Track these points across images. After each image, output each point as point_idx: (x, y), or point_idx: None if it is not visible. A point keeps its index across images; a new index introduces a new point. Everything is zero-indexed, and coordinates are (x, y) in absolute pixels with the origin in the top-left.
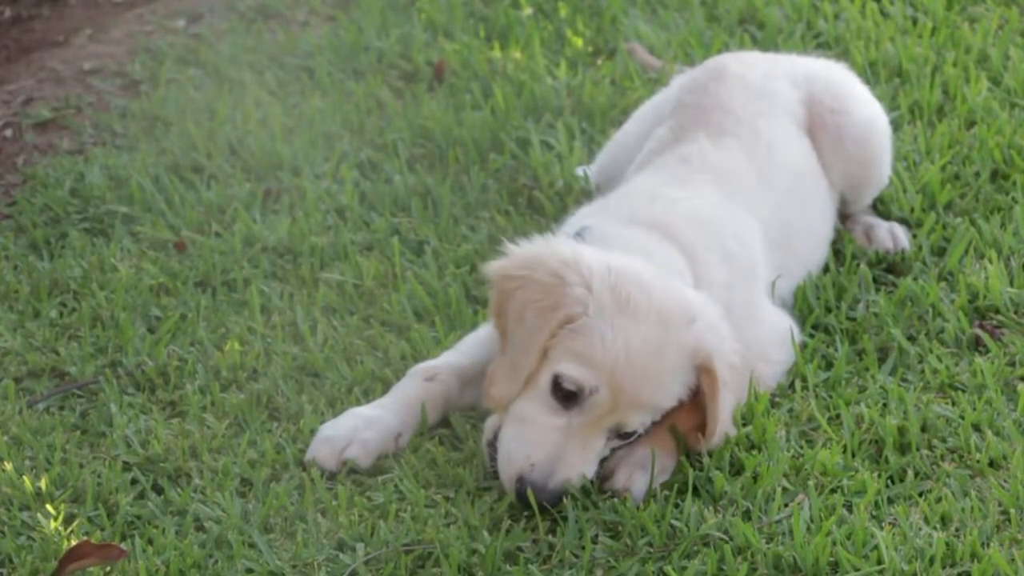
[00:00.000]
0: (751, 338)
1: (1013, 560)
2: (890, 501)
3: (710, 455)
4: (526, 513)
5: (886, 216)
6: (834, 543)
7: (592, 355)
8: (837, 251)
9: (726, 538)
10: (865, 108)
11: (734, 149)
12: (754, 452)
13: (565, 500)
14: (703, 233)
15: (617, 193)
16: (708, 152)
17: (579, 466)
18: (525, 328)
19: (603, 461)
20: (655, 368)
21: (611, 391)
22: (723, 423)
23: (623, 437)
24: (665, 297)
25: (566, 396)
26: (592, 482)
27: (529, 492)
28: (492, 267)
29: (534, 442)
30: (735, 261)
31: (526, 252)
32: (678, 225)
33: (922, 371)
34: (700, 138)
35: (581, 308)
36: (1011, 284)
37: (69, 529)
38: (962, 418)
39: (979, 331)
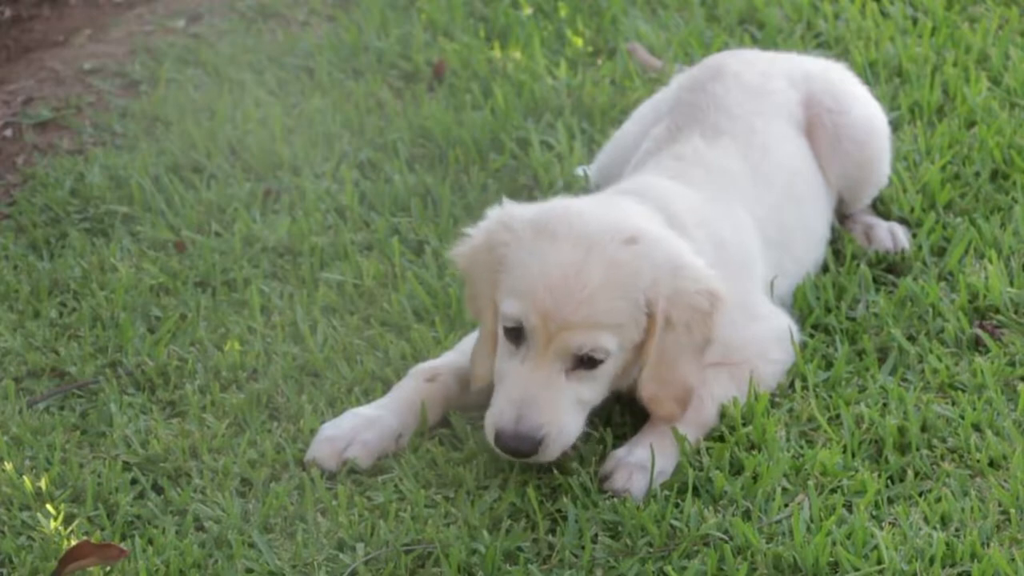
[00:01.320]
0: (749, 337)
1: (1013, 560)
2: (890, 501)
3: (709, 454)
4: (526, 513)
5: (886, 216)
6: (834, 543)
7: (516, 285)
8: (837, 251)
9: (726, 538)
10: (864, 108)
11: (729, 148)
12: (754, 452)
13: (566, 492)
14: (694, 216)
15: (610, 189)
16: (703, 151)
17: (551, 409)
18: (480, 297)
19: (604, 461)
20: (577, 285)
21: (539, 316)
22: (662, 367)
23: (587, 365)
24: (594, 219)
25: (516, 337)
26: (592, 482)
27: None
28: (453, 254)
29: (500, 392)
30: (727, 249)
31: (468, 240)
32: (669, 200)
33: (922, 371)
34: (695, 137)
35: (506, 249)
36: (1011, 284)
37: (69, 529)
38: (962, 418)
39: (979, 331)
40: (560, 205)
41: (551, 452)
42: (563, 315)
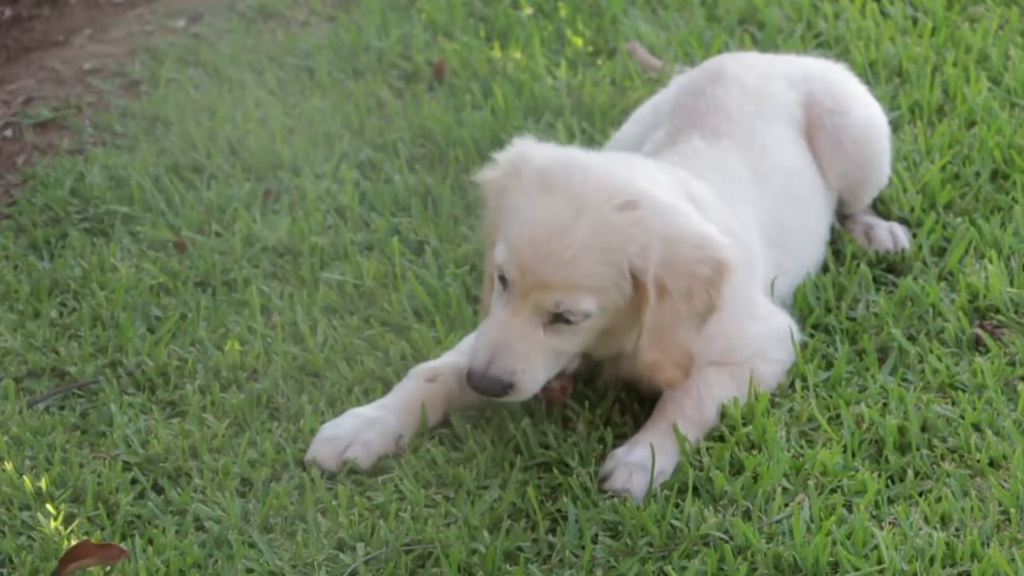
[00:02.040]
0: (750, 336)
1: (1013, 560)
2: (890, 501)
3: (709, 454)
4: (526, 513)
5: (886, 216)
6: (834, 543)
7: (507, 233)
8: (837, 251)
9: (726, 538)
10: (864, 109)
11: (729, 150)
12: (754, 452)
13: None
14: (708, 202)
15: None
16: (704, 150)
17: (523, 357)
18: (487, 227)
19: (604, 461)
20: (557, 246)
21: (517, 269)
22: (661, 334)
23: (564, 322)
24: (596, 178)
25: (503, 280)
26: (592, 482)
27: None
28: (478, 178)
29: (481, 331)
30: (736, 241)
31: (498, 162)
32: (686, 179)
33: (922, 371)
34: (695, 139)
35: (509, 192)
36: (1011, 284)
37: (69, 529)
38: (962, 418)
39: (979, 331)
40: (570, 158)
41: (520, 396)
42: (541, 274)
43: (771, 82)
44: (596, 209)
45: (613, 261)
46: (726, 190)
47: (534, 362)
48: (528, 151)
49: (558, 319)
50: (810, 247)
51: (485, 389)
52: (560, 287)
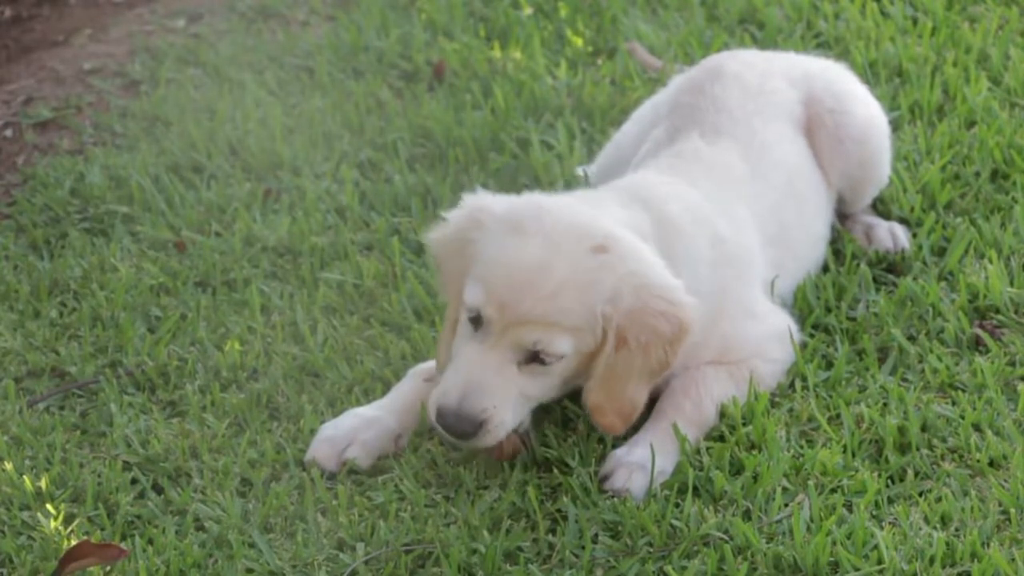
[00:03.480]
0: (749, 335)
1: (1013, 560)
2: (890, 501)
3: (709, 454)
4: (526, 513)
5: (886, 216)
6: (834, 543)
7: (480, 274)
8: (837, 251)
9: (726, 538)
10: (864, 108)
11: (730, 148)
12: (754, 452)
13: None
14: (690, 211)
15: (605, 185)
16: (703, 150)
17: (496, 395)
18: (446, 280)
19: (604, 461)
20: (538, 282)
21: (496, 307)
22: (611, 381)
23: (539, 362)
24: (565, 219)
25: (475, 321)
26: (592, 482)
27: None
28: (428, 239)
29: (450, 370)
30: (726, 246)
31: (440, 228)
32: (661, 199)
33: (922, 371)
34: (694, 137)
35: (475, 244)
36: (1011, 284)
37: (69, 529)
38: (962, 418)
39: (979, 331)
40: (533, 201)
41: (489, 438)
42: (520, 310)
43: (771, 80)
44: (571, 249)
45: (586, 303)
46: (721, 192)
47: (506, 402)
48: (484, 202)
49: (533, 359)
50: (811, 245)
51: (455, 427)
52: (539, 323)
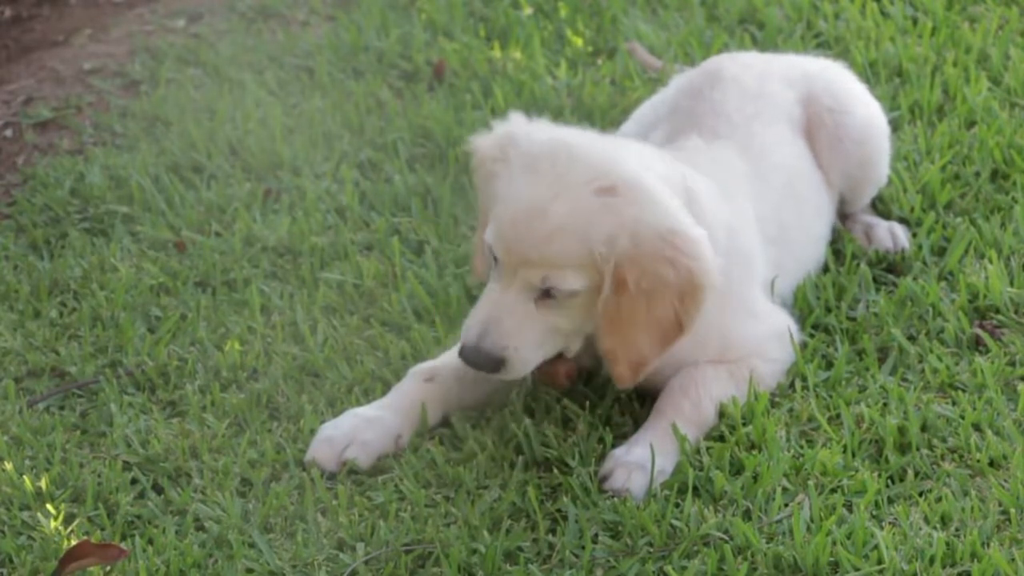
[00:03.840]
0: (748, 334)
1: (1013, 560)
2: (890, 501)
3: (709, 454)
4: (526, 513)
5: (886, 216)
6: (834, 543)
7: (496, 212)
8: (837, 251)
9: (726, 538)
10: (864, 107)
11: (728, 149)
12: (754, 452)
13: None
14: (711, 193)
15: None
16: (703, 148)
17: (514, 334)
18: (480, 198)
19: (604, 461)
20: (536, 225)
21: (503, 248)
22: (620, 325)
23: (553, 297)
24: (581, 160)
25: (494, 259)
26: (592, 482)
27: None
28: (473, 145)
29: (474, 308)
30: (737, 238)
31: (489, 137)
32: (687, 175)
33: (922, 371)
34: (693, 138)
35: (495, 174)
36: (1011, 284)
37: (69, 529)
38: (962, 418)
39: (979, 331)
40: (559, 139)
41: (512, 373)
42: (521, 251)
43: (769, 82)
44: (575, 191)
45: (584, 244)
46: (727, 186)
47: (526, 339)
48: (516, 133)
49: (547, 295)
50: (811, 246)
51: (477, 364)
52: (541, 264)
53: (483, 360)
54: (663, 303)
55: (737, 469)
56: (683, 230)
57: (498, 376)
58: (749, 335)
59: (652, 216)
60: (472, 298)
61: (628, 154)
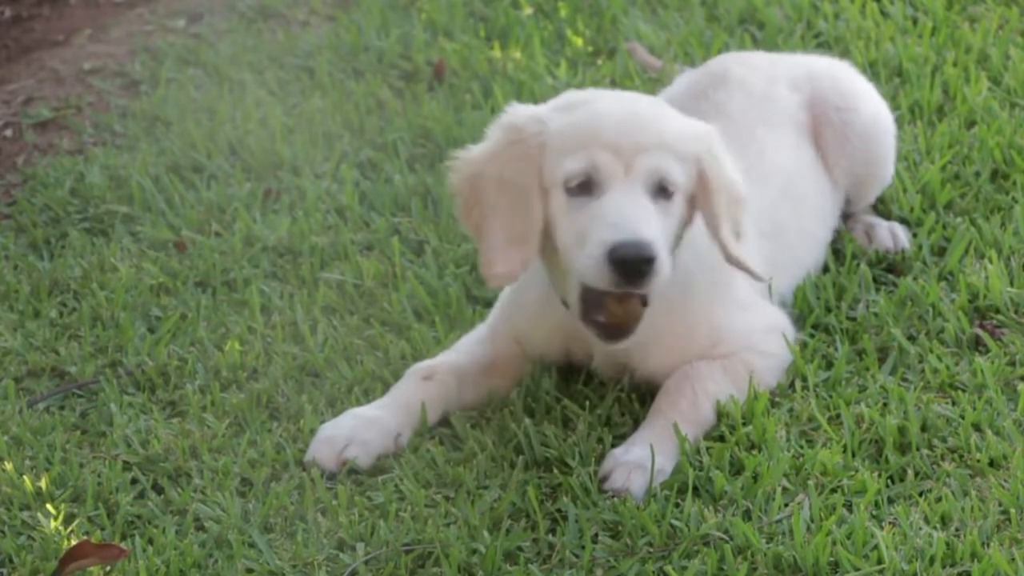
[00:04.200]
0: (739, 326)
1: (1013, 560)
2: (890, 501)
3: (709, 454)
4: (526, 513)
5: (886, 216)
6: (834, 543)
7: (570, 145)
8: (837, 251)
9: (726, 538)
10: (871, 106)
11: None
12: (754, 452)
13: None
14: None
15: None
16: None
17: (654, 227)
18: (512, 190)
19: (603, 461)
20: (640, 113)
21: (610, 151)
22: (725, 227)
23: (664, 196)
24: (622, 94)
25: (585, 189)
26: (592, 481)
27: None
28: (452, 178)
29: (595, 228)
30: None
31: (477, 148)
32: None
33: (922, 371)
34: None
35: (542, 134)
36: (1011, 284)
37: (69, 529)
38: (962, 418)
39: (979, 331)
40: (580, 92)
41: (660, 275)
42: (634, 138)
43: (775, 85)
44: (644, 103)
45: (682, 128)
46: None
47: (662, 239)
48: (522, 110)
49: (659, 194)
50: (809, 247)
51: (637, 258)
52: (656, 147)
53: (642, 251)
54: (735, 212)
55: (737, 469)
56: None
57: (641, 285)
58: (740, 327)
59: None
60: (472, 298)
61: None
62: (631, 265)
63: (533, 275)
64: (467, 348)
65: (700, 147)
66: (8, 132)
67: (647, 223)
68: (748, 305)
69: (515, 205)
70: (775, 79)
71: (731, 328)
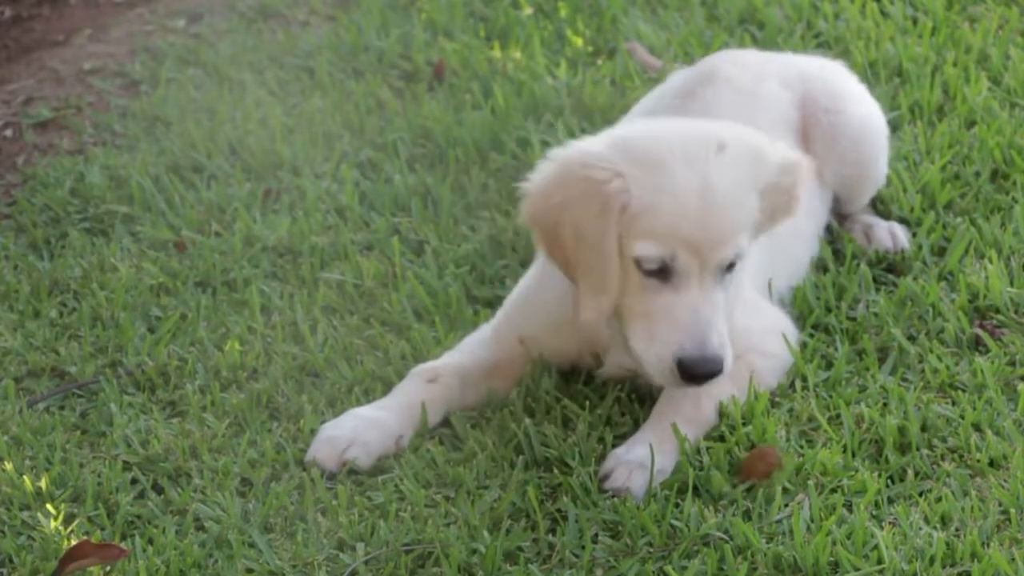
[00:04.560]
0: (741, 328)
1: (1013, 560)
2: (890, 501)
3: (709, 454)
4: (526, 513)
5: (886, 216)
6: (834, 543)
7: (653, 227)
8: (837, 251)
9: (726, 538)
10: (860, 107)
11: None
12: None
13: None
14: None
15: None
16: None
17: (722, 330)
18: (589, 242)
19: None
20: (714, 205)
21: (689, 250)
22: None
23: (730, 270)
24: (678, 137)
25: (659, 273)
26: (592, 481)
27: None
28: (523, 213)
29: (667, 326)
30: None
31: (543, 181)
32: None
33: (922, 371)
34: None
35: (625, 193)
36: (1011, 284)
37: (69, 529)
38: (962, 418)
39: (979, 331)
40: (639, 131)
41: (726, 368)
42: (713, 234)
43: (765, 83)
44: (711, 159)
45: (750, 194)
46: None
47: (725, 330)
48: (591, 150)
49: (728, 270)
50: (801, 243)
51: (707, 373)
52: (732, 234)
53: (712, 366)
54: (785, 204)
55: (737, 469)
56: (768, 144)
57: (710, 381)
58: (740, 327)
59: (755, 145)
60: (472, 298)
61: (677, 119)
62: (699, 377)
63: (548, 281)
64: (470, 349)
65: (787, 180)
66: (8, 132)
67: (719, 330)
68: (752, 306)
69: (593, 257)
70: (765, 77)
71: (735, 329)
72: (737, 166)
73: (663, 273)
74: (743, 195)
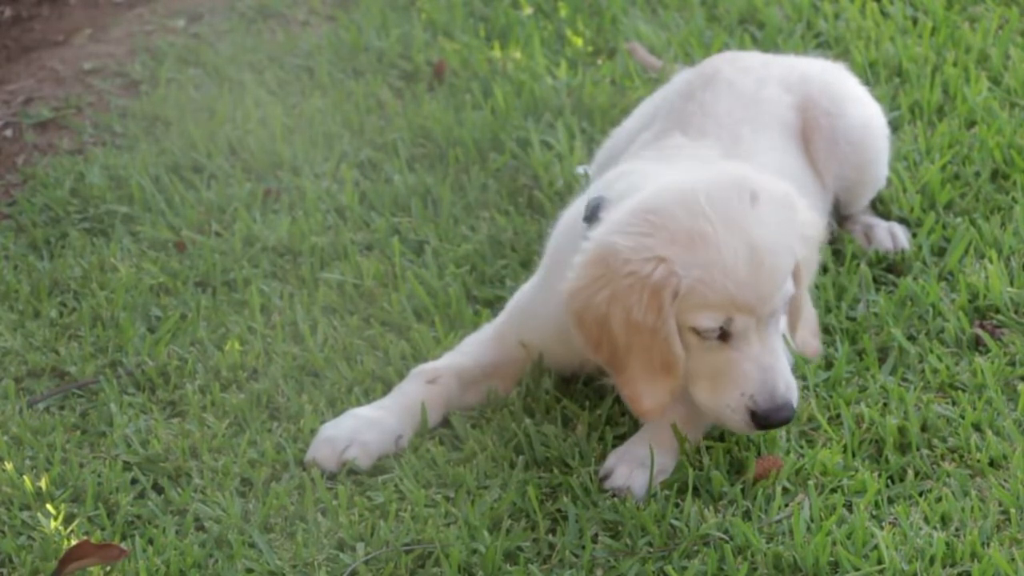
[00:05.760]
0: None
1: (1013, 560)
2: (890, 501)
3: (709, 454)
4: (526, 513)
5: (886, 216)
6: (834, 543)
7: (707, 300)
8: (837, 251)
9: (726, 538)
10: (861, 110)
11: (711, 147)
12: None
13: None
14: None
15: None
16: (684, 145)
17: (783, 369)
18: (645, 332)
19: (604, 460)
20: (763, 266)
21: (742, 311)
22: (804, 309)
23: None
24: (709, 195)
25: (720, 336)
26: (592, 481)
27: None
28: (566, 312)
29: (734, 381)
30: None
31: (583, 280)
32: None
33: (922, 371)
34: (676, 136)
35: (673, 276)
36: (1011, 284)
37: (69, 529)
38: (962, 418)
39: (979, 331)
40: (666, 201)
41: (795, 412)
42: (763, 296)
43: (765, 86)
44: (748, 216)
45: (789, 244)
46: None
47: (789, 370)
48: (622, 242)
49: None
50: None
51: (783, 421)
52: (778, 288)
53: (788, 414)
54: (813, 259)
55: (737, 469)
56: (795, 196)
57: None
58: None
59: (783, 196)
60: (472, 298)
61: (682, 172)
62: (773, 425)
63: (553, 290)
64: (471, 350)
65: (810, 246)
66: (8, 132)
67: (784, 376)
68: None
69: (651, 344)
70: (766, 79)
71: None
72: (773, 214)
73: (721, 336)
74: (784, 242)
